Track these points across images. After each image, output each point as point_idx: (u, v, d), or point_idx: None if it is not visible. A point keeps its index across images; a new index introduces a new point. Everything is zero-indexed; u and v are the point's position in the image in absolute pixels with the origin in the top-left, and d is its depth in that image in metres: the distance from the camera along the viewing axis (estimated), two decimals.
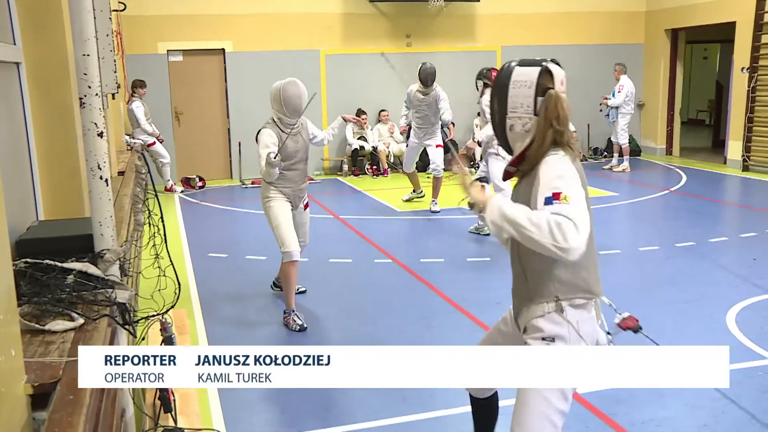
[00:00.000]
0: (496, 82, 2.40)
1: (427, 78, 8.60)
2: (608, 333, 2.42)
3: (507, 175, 2.47)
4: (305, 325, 4.92)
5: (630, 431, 3.51)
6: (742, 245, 7.12)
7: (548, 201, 2.12)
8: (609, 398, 3.82)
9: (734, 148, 12.01)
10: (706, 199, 9.71)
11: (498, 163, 6.94)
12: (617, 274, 6.28)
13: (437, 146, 8.94)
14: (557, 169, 2.20)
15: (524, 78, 2.32)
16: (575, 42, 13.45)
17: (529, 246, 2.13)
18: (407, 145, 9.38)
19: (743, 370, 4.19)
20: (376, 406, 3.88)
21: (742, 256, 6.77)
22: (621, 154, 12.24)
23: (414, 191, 9.72)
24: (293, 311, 5.02)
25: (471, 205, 2.34)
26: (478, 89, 7.82)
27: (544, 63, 2.35)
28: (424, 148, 9.09)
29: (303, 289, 5.72)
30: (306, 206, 5.26)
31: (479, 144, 7.74)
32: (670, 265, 6.50)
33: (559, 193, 2.11)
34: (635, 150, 13.49)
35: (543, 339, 2.31)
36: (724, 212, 9.33)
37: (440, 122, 8.83)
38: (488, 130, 7.27)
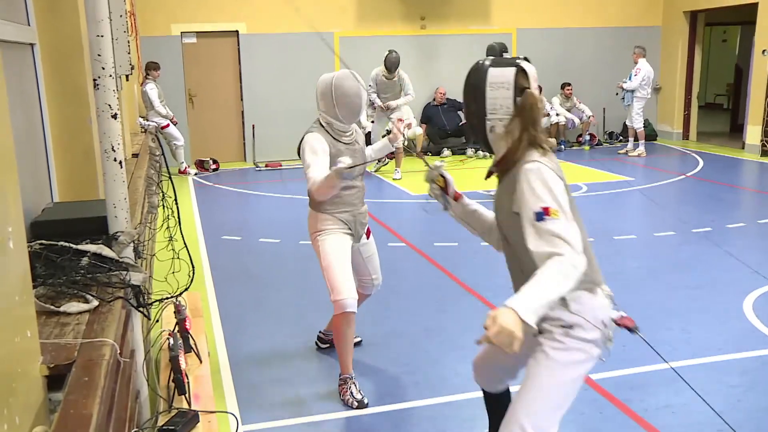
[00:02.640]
0: (471, 82, 2.33)
1: (391, 66, 10.14)
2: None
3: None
4: (366, 401, 3.69)
5: (644, 417, 3.49)
6: (760, 231, 7.04)
7: (539, 216, 2.12)
8: (623, 384, 3.80)
9: (753, 133, 11.85)
10: (723, 185, 9.61)
11: None
12: (632, 259, 6.24)
13: (399, 120, 10.16)
14: (541, 180, 2.18)
15: (501, 79, 2.27)
16: (591, 24, 13.29)
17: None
18: (373, 122, 10.75)
19: (760, 357, 4.15)
20: (388, 391, 3.88)
21: (760, 242, 6.70)
22: (636, 139, 12.11)
23: (378, 161, 10.97)
24: (351, 378, 3.77)
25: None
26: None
27: (518, 61, 2.30)
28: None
29: (358, 338, 4.42)
30: (368, 233, 4.04)
31: None
32: (686, 250, 6.44)
33: (548, 208, 2.12)
34: (651, 134, 13.35)
35: (562, 327, 2.29)
36: (741, 198, 9.22)
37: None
38: None
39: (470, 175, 10.81)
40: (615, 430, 3.43)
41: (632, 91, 11.84)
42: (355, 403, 3.66)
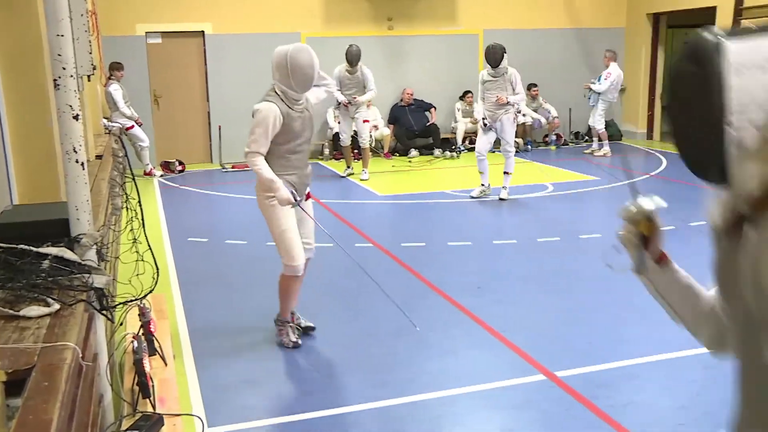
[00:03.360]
0: (689, 71, 1.28)
1: (352, 59, 9.93)
2: None
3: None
4: (300, 342, 4.26)
5: (610, 414, 3.54)
6: None
7: None
8: (590, 381, 3.85)
9: None
10: (686, 184, 9.78)
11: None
12: (598, 258, 6.32)
13: (364, 121, 10.23)
14: None
15: (756, 56, 1.22)
16: (557, 26, 13.44)
17: None
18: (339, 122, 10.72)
19: None
20: (356, 391, 3.88)
21: None
22: (600, 139, 12.32)
23: (348, 167, 10.72)
24: (288, 323, 4.23)
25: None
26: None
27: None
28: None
29: (312, 325, 4.64)
30: (308, 196, 4.40)
31: (485, 124, 8.51)
32: None
33: None
34: (616, 134, 13.56)
35: None
36: (703, 196, 9.39)
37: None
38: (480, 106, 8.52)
39: (438, 175, 10.87)
40: (581, 427, 3.47)
41: (599, 93, 12.04)
42: (291, 343, 4.17)
